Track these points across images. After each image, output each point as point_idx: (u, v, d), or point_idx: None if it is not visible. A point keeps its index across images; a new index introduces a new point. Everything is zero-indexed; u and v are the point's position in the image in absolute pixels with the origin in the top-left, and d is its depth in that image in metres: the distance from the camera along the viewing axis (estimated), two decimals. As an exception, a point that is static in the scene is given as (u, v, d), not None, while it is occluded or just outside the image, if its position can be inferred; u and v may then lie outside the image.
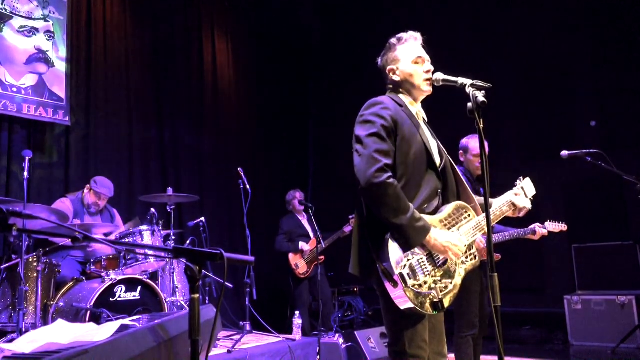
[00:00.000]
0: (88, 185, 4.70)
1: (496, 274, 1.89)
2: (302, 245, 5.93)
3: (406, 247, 2.09)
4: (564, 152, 4.06)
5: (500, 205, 2.47)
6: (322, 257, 6.06)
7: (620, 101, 6.06)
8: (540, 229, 3.68)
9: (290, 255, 5.96)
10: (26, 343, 1.56)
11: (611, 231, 5.84)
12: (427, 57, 2.38)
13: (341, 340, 4.67)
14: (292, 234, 6.04)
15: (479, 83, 2.06)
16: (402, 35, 2.41)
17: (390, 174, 2.11)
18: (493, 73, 6.38)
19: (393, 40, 2.42)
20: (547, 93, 6.52)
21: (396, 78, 2.38)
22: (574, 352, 5.27)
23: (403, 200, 2.09)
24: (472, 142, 3.73)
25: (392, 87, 2.42)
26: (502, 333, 1.85)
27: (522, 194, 2.56)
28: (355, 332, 4.79)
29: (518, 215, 2.56)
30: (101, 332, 1.64)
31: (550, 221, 3.77)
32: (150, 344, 1.54)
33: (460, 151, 3.76)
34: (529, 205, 2.53)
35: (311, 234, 6.10)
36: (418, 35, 2.41)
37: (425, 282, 2.10)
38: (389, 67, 2.40)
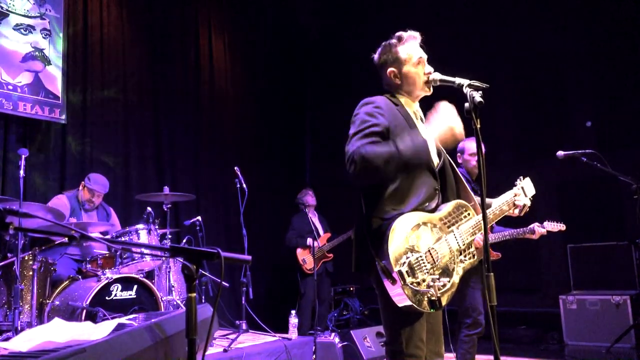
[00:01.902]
0: (83, 182, 4.70)
1: (492, 274, 1.90)
2: (310, 240, 6.01)
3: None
4: (560, 153, 4.08)
5: (499, 204, 2.49)
6: (331, 255, 6.15)
7: (616, 102, 6.08)
8: (539, 229, 3.71)
9: (299, 251, 6.07)
10: (23, 342, 1.56)
11: (606, 231, 5.86)
12: (425, 57, 2.37)
13: (337, 340, 4.68)
14: (301, 231, 6.10)
15: (476, 83, 2.07)
16: (402, 34, 2.37)
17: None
18: (489, 73, 6.39)
19: (393, 40, 2.38)
20: (543, 93, 6.54)
21: (397, 81, 2.35)
22: (569, 352, 5.29)
23: (380, 149, 2.09)
24: (467, 143, 3.81)
25: (390, 87, 2.40)
26: (497, 332, 1.86)
27: (522, 193, 2.58)
28: (352, 331, 4.79)
29: (519, 215, 2.58)
30: (98, 331, 1.64)
31: (548, 221, 3.80)
32: (147, 343, 1.54)
33: (458, 154, 3.84)
34: (528, 203, 2.55)
35: (321, 232, 6.19)
36: (417, 34, 2.38)
37: (424, 280, 2.10)
38: (389, 69, 2.36)
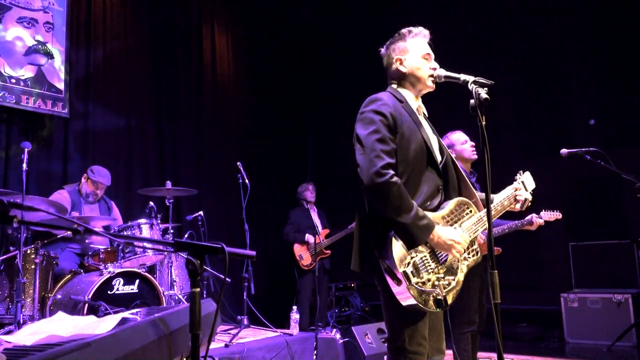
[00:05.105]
0: (85, 175, 4.69)
1: (496, 271, 1.90)
2: (309, 237, 5.99)
3: (410, 245, 2.08)
4: (564, 150, 4.07)
5: (501, 200, 2.49)
6: (329, 251, 6.12)
7: (619, 100, 6.06)
8: (537, 219, 3.72)
9: (296, 246, 6.03)
10: (27, 335, 1.56)
11: (608, 229, 5.85)
12: (432, 55, 2.37)
13: (338, 336, 4.68)
14: (299, 226, 6.08)
15: (482, 80, 2.06)
16: (413, 28, 2.38)
17: (393, 172, 2.09)
18: (493, 70, 6.38)
19: (404, 31, 2.39)
20: (546, 91, 6.52)
21: (402, 69, 2.35)
22: (570, 350, 5.30)
23: (406, 198, 2.08)
24: (452, 136, 3.79)
25: (395, 79, 2.39)
26: (500, 330, 1.86)
27: (523, 188, 2.57)
28: (353, 328, 4.79)
29: (521, 209, 2.58)
30: (102, 325, 1.64)
31: (545, 210, 3.80)
32: (151, 338, 1.54)
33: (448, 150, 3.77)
34: (529, 197, 2.55)
35: (319, 228, 6.16)
36: (427, 33, 2.40)
37: (429, 280, 2.10)
38: (396, 57, 2.36)
